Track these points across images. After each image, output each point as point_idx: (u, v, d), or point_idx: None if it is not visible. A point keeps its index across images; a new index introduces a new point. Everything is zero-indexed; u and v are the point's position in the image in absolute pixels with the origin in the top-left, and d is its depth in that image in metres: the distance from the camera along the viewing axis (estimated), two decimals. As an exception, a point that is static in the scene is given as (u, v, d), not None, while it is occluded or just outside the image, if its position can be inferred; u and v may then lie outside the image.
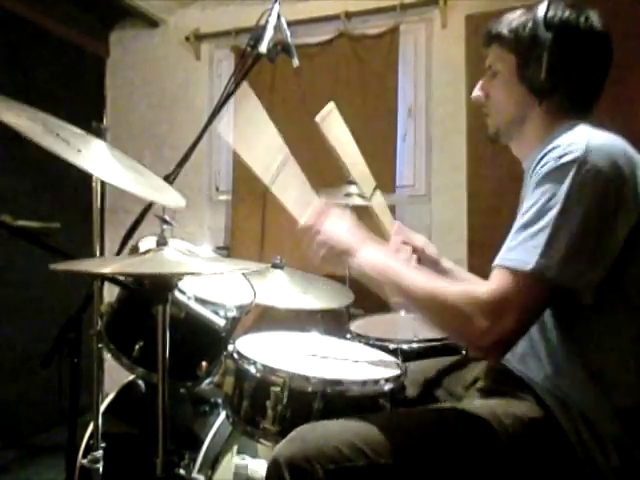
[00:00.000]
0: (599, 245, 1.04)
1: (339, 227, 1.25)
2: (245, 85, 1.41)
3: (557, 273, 1.01)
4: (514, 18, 1.24)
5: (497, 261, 1.07)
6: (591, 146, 1.06)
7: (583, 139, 1.08)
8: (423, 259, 1.51)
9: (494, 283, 1.05)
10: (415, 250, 1.51)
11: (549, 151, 1.08)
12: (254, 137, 1.34)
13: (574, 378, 1.10)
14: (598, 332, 1.09)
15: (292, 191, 1.34)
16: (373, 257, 1.22)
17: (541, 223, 1.04)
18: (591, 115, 1.22)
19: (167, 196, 1.38)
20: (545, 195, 1.05)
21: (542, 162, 1.09)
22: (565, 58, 1.18)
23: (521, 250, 1.04)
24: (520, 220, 1.08)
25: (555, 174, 1.05)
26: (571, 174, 1.03)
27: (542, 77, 1.18)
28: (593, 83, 1.23)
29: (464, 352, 1.81)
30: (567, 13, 1.18)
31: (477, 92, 1.33)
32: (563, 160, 1.05)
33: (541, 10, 1.19)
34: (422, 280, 1.13)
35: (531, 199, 1.07)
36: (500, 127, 1.30)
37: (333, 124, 1.45)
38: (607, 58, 1.23)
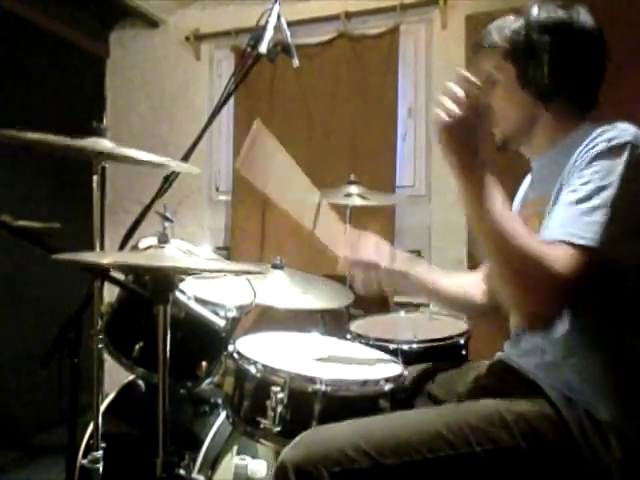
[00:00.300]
0: None
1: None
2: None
3: (611, 251, 1.01)
4: (505, 25, 1.24)
5: (552, 234, 1.04)
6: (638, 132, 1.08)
7: (630, 127, 1.09)
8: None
9: (559, 259, 1.01)
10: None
11: (597, 135, 1.08)
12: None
13: (579, 373, 1.10)
14: (602, 327, 1.09)
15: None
16: (490, 182, 1.09)
17: (597, 201, 1.03)
18: (596, 105, 1.24)
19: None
20: (598, 174, 1.05)
21: (591, 144, 1.08)
22: (565, 59, 1.18)
23: (579, 225, 1.02)
24: (572, 195, 1.06)
25: (608, 155, 1.06)
26: (625, 155, 1.05)
27: (546, 81, 1.18)
28: (594, 79, 1.23)
29: (464, 353, 1.82)
30: (559, 14, 1.19)
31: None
32: (615, 142, 1.06)
33: (533, 14, 1.20)
34: (519, 228, 1.05)
35: (582, 177, 1.06)
36: (508, 135, 1.30)
37: (258, 160, 1.34)
38: (603, 52, 1.23)
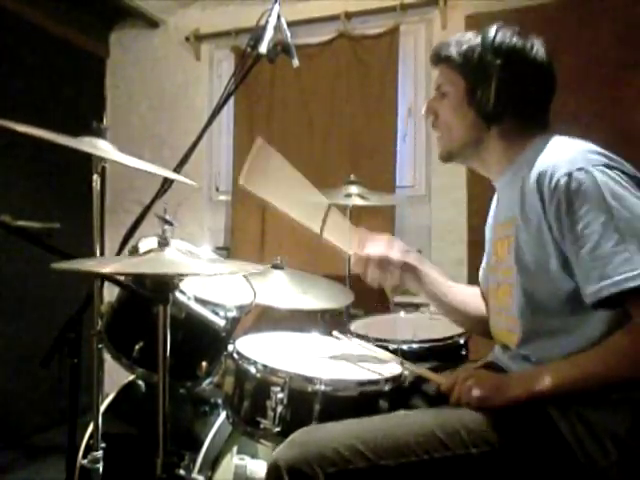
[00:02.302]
0: None
1: (482, 376, 1.18)
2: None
3: None
4: (464, 41, 1.26)
5: (612, 289, 1.01)
6: (583, 154, 1.10)
7: (570, 151, 1.11)
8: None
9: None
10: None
11: (549, 179, 1.08)
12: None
13: None
14: (595, 327, 1.09)
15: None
16: (526, 381, 1.12)
17: (614, 237, 1.02)
18: (549, 126, 1.25)
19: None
20: (590, 213, 1.04)
21: (549, 193, 1.08)
22: (513, 84, 1.20)
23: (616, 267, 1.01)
24: (584, 248, 1.04)
25: (582, 191, 1.05)
26: (593, 179, 1.05)
27: (491, 103, 1.20)
28: (540, 106, 1.25)
29: (464, 353, 1.82)
30: (514, 40, 1.21)
31: (427, 110, 1.34)
32: (578, 175, 1.06)
33: (490, 36, 1.22)
34: (584, 370, 1.07)
35: (577, 225, 1.05)
36: (452, 149, 1.31)
37: (261, 175, 1.41)
38: (551, 83, 1.25)
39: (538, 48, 1.22)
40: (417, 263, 1.40)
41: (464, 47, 1.24)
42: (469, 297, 1.48)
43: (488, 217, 1.46)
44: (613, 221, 1.03)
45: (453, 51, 1.26)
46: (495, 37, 1.21)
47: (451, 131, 1.30)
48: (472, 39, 1.24)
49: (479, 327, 1.48)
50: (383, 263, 1.35)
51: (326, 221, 1.41)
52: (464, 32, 1.28)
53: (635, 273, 1.00)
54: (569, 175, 1.06)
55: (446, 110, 1.29)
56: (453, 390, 1.17)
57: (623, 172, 1.08)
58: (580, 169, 1.06)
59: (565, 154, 1.11)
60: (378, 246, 1.36)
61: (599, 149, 1.12)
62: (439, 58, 1.30)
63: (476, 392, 1.12)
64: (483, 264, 1.49)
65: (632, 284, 0.99)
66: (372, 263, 1.34)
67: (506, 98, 1.20)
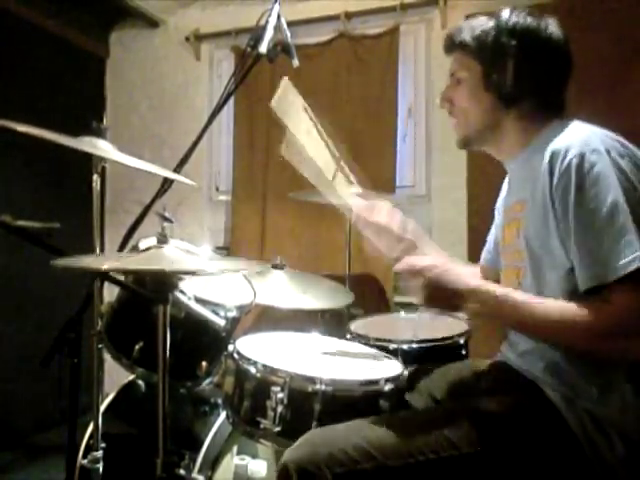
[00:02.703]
0: None
1: (448, 267, 1.18)
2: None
3: None
4: (477, 25, 1.25)
5: (595, 278, 1.02)
6: (599, 136, 1.09)
7: (578, 137, 1.10)
8: None
9: (612, 305, 1.01)
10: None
11: (562, 158, 1.07)
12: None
13: (579, 372, 1.10)
14: None
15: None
16: (485, 299, 1.14)
17: (617, 222, 1.02)
18: (565, 109, 1.24)
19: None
20: (599, 196, 1.03)
21: (559, 171, 1.07)
22: (530, 65, 1.19)
23: (615, 257, 1.01)
24: (582, 234, 1.04)
25: (583, 186, 1.04)
26: (606, 162, 1.04)
27: (509, 85, 1.20)
28: (557, 86, 1.24)
29: (464, 353, 1.82)
30: (528, 20, 1.20)
31: (442, 99, 1.33)
32: (582, 172, 1.05)
33: (503, 17, 1.21)
34: (539, 312, 1.08)
35: (581, 209, 1.04)
36: (470, 134, 1.30)
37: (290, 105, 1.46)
38: (568, 62, 1.24)
39: (553, 27, 1.21)
40: (415, 238, 1.40)
41: (477, 31, 1.24)
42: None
43: (499, 199, 1.45)
44: (618, 208, 1.02)
45: (467, 36, 1.25)
46: (509, 19, 1.20)
47: (468, 117, 1.28)
48: (485, 23, 1.24)
49: None
50: (383, 232, 1.36)
51: (337, 173, 1.45)
52: (477, 17, 1.27)
53: (629, 259, 0.99)
54: (582, 156, 1.05)
55: (463, 96, 1.28)
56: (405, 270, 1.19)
57: (635, 163, 1.08)
58: (594, 151, 1.05)
59: (580, 135, 1.11)
60: (381, 214, 1.37)
61: (616, 136, 1.12)
62: (453, 44, 1.29)
63: (425, 292, 1.15)
64: (488, 246, 1.48)
65: (623, 271, 0.99)
66: (373, 229, 1.35)
67: (523, 79, 1.19)
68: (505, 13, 1.22)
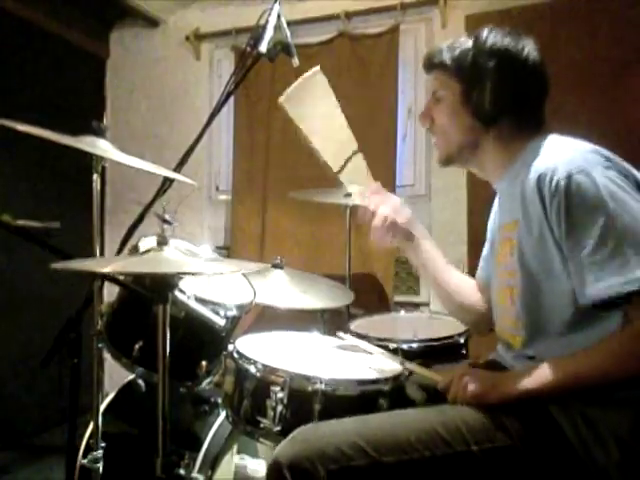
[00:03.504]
0: None
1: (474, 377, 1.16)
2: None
3: None
4: (456, 46, 1.26)
5: (607, 292, 1.02)
6: (582, 154, 1.10)
7: (568, 152, 1.11)
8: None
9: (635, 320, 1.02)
10: None
11: (550, 181, 1.08)
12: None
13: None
14: (600, 326, 1.09)
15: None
16: (514, 382, 1.12)
17: (609, 243, 1.02)
18: (545, 125, 1.26)
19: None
20: (589, 215, 1.04)
21: (549, 195, 1.08)
22: (508, 85, 1.20)
23: (622, 274, 1.02)
24: (585, 250, 1.04)
25: (581, 193, 1.05)
26: (596, 176, 1.05)
27: (487, 105, 1.21)
28: (535, 105, 1.25)
29: (464, 352, 1.82)
30: (506, 41, 1.21)
31: (423, 116, 1.35)
32: (577, 177, 1.06)
33: (482, 38, 1.22)
34: (576, 368, 1.08)
35: (576, 228, 1.05)
36: (450, 152, 1.32)
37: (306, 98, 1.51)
38: (545, 82, 1.25)
39: (530, 48, 1.22)
40: (414, 231, 1.42)
41: (457, 52, 1.25)
42: (465, 287, 1.49)
43: (491, 216, 1.46)
44: (612, 225, 1.03)
45: (446, 56, 1.27)
46: (487, 39, 1.21)
47: (448, 135, 1.30)
48: (464, 43, 1.25)
49: (471, 318, 1.51)
50: (388, 225, 1.37)
51: (347, 164, 1.47)
52: (455, 37, 1.29)
53: (631, 277, 1.00)
54: (568, 177, 1.06)
55: (442, 115, 1.30)
56: (450, 388, 1.17)
57: (621, 172, 1.08)
58: (580, 171, 1.06)
59: (563, 155, 1.11)
60: (387, 206, 1.37)
61: (597, 148, 1.12)
62: (432, 64, 1.31)
63: (472, 388, 1.12)
64: (482, 264, 1.49)
65: (628, 288, 1.00)
66: (379, 220, 1.36)
67: (501, 99, 1.20)
68: (484, 33, 1.23)
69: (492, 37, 1.21)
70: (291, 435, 1.08)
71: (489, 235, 1.47)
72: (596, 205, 1.04)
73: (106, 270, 1.14)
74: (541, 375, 1.09)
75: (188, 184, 1.48)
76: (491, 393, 1.12)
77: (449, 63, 1.26)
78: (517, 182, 1.19)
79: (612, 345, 1.05)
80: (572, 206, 1.06)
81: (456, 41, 1.27)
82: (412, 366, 1.34)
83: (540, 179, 1.10)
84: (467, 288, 1.49)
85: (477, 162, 1.32)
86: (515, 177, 1.21)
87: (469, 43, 1.24)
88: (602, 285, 1.03)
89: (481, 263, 1.50)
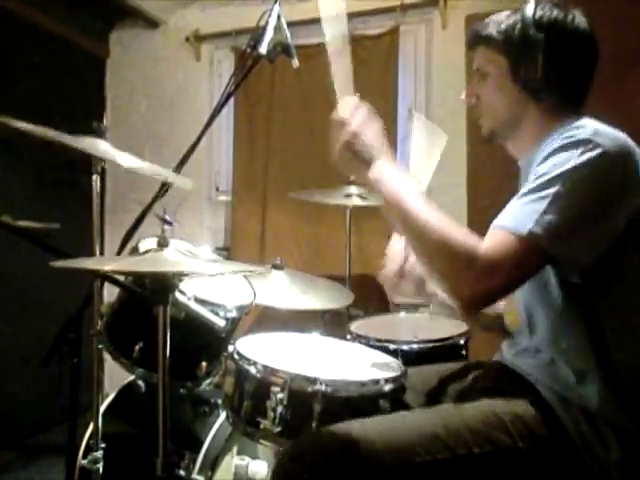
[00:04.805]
0: (596, 229, 1.04)
1: (371, 127, 1.21)
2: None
3: (548, 243, 1.02)
4: (502, 20, 1.24)
5: (496, 221, 1.08)
6: (599, 130, 1.09)
7: (591, 124, 1.11)
8: None
9: (489, 242, 1.05)
10: None
11: (559, 135, 1.10)
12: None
13: (574, 370, 1.10)
14: (598, 322, 1.09)
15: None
16: (391, 174, 1.18)
17: (543, 193, 1.04)
18: (583, 111, 1.24)
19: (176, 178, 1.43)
20: (551, 169, 1.06)
21: (551, 143, 1.10)
22: (558, 57, 1.19)
23: (520, 214, 1.05)
24: (524, 188, 1.09)
25: (562, 150, 1.07)
26: (578, 151, 1.05)
27: (538, 77, 1.19)
28: (584, 80, 1.24)
29: (464, 353, 1.82)
30: (555, 13, 1.20)
31: (468, 95, 1.34)
32: (572, 139, 1.07)
33: (529, 11, 1.20)
34: (432, 217, 1.10)
35: (536, 173, 1.08)
36: (495, 128, 1.30)
37: None
38: (594, 55, 1.24)
39: (579, 19, 1.21)
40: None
41: (503, 25, 1.23)
42: None
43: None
44: (562, 194, 1.03)
45: (493, 30, 1.25)
46: (535, 12, 1.19)
47: (495, 111, 1.28)
48: (511, 16, 1.23)
49: None
50: (399, 273, 1.40)
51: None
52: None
53: (523, 224, 1.02)
54: (593, 133, 1.07)
55: (489, 90, 1.28)
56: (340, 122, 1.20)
57: (624, 173, 1.07)
58: (595, 142, 1.06)
59: (594, 125, 1.12)
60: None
61: (617, 134, 1.12)
62: (479, 38, 1.29)
63: (346, 146, 1.17)
64: None
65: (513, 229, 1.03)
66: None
67: (551, 71, 1.18)
68: (530, 7, 1.21)
69: (540, 9, 1.20)
70: (292, 444, 1.09)
71: None
72: (561, 163, 1.05)
73: (106, 268, 1.14)
74: (400, 194, 1.13)
75: (188, 184, 1.48)
76: (358, 164, 1.18)
77: (496, 37, 1.24)
78: (538, 155, 1.18)
79: (464, 245, 1.05)
80: (547, 156, 1.08)
81: (501, 15, 1.25)
82: None
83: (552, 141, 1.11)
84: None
85: (517, 137, 1.30)
86: (540, 152, 1.20)
87: (516, 16, 1.22)
88: (501, 219, 1.07)
89: None
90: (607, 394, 1.07)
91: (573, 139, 1.07)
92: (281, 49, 1.54)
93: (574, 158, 1.05)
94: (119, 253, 1.53)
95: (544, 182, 1.05)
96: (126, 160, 1.35)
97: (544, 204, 1.03)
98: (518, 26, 1.20)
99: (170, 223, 1.32)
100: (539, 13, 1.19)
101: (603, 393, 1.07)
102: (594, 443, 1.06)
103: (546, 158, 1.09)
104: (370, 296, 2.83)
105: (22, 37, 3.02)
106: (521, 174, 1.35)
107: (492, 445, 1.07)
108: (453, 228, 1.07)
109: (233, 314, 1.55)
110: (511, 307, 1.29)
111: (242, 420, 1.28)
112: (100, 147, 1.36)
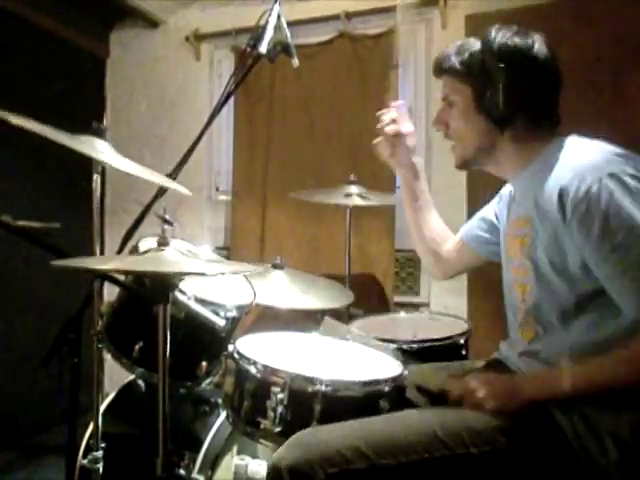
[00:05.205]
0: None
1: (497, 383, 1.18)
2: None
3: None
4: (464, 49, 1.25)
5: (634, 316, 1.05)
6: (607, 157, 1.09)
7: (592, 157, 1.10)
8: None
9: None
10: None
11: (576, 190, 1.08)
12: None
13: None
14: (599, 326, 1.10)
15: None
16: (544, 387, 1.14)
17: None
18: (560, 124, 1.25)
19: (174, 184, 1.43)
20: (616, 230, 1.04)
21: (573, 203, 1.08)
22: (519, 85, 1.19)
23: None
24: (614, 269, 1.06)
25: (611, 201, 1.05)
26: (617, 190, 1.04)
27: (500, 107, 1.19)
28: (549, 103, 1.24)
29: (464, 353, 1.81)
30: (515, 41, 1.19)
31: (437, 123, 1.35)
32: (607, 186, 1.05)
33: (490, 39, 1.20)
34: (604, 372, 1.08)
35: (602, 245, 1.06)
36: (467, 157, 1.32)
37: None
38: (556, 78, 1.23)
39: (539, 45, 1.20)
40: (414, 159, 1.59)
41: (465, 55, 1.24)
42: (443, 236, 1.66)
43: (500, 204, 1.46)
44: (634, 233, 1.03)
45: (455, 61, 1.26)
46: (494, 40, 1.20)
47: (464, 139, 1.29)
48: (472, 45, 1.24)
49: (436, 264, 1.64)
50: (393, 132, 1.55)
51: None
52: (462, 39, 1.29)
53: None
54: (599, 182, 1.05)
55: (456, 119, 1.29)
56: (465, 399, 1.16)
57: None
58: (610, 176, 1.05)
59: (588, 160, 1.11)
60: (401, 121, 1.54)
61: (621, 152, 1.12)
62: (441, 70, 1.30)
63: (490, 404, 1.12)
64: (474, 224, 1.58)
65: None
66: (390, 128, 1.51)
67: (514, 100, 1.19)
68: (491, 34, 1.21)
69: (500, 37, 1.20)
70: (290, 440, 1.08)
71: (497, 212, 1.49)
72: (626, 215, 1.04)
73: (106, 267, 1.14)
74: (562, 381, 1.08)
75: (188, 184, 1.48)
76: (510, 402, 1.12)
77: (458, 67, 1.25)
78: (535, 181, 1.18)
79: (623, 354, 1.05)
80: (596, 215, 1.05)
81: (464, 44, 1.26)
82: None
83: (563, 193, 1.09)
84: (445, 238, 1.63)
85: (494, 162, 1.30)
86: (533, 176, 1.21)
87: (477, 45, 1.23)
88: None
89: (471, 223, 1.58)
90: (605, 398, 1.07)
91: (599, 188, 1.06)
92: (281, 49, 1.54)
93: (621, 200, 1.04)
94: (119, 253, 1.53)
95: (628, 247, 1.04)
96: (122, 164, 1.34)
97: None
98: (479, 56, 1.21)
99: (170, 223, 1.32)
100: (499, 41, 1.19)
101: (601, 397, 1.07)
102: (591, 445, 1.06)
103: (596, 227, 1.06)
104: (370, 296, 2.83)
105: (22, 37, 3.02)
106: (514, 190, 1.35)
107: (490, 445, 1.07)
108: (615, 360, 1.07)
109: (233, 314, 1.55)
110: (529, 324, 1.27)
111: (242, 420, 1.28)
112: (99, 149, 1.35)
